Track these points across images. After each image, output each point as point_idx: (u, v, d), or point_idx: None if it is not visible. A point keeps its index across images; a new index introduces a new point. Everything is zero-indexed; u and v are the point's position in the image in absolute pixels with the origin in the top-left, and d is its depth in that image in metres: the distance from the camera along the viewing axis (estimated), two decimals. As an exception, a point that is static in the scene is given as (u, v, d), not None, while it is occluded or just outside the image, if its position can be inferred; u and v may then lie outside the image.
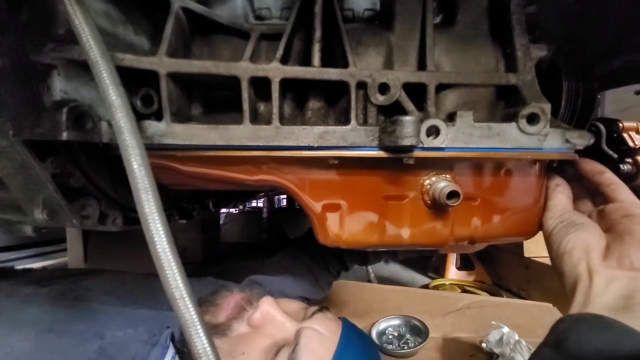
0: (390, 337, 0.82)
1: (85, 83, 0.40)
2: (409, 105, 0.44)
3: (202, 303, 0.56)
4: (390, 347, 0.77)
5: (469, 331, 0.83)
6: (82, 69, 0.39)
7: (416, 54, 0.48)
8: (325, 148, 0.43)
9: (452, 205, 0.44)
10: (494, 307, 0.98)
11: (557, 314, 0.93)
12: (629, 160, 0.64)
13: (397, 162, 0.44)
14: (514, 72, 0.46)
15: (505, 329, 0.74)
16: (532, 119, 0.43)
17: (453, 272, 1.48)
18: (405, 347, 0.78)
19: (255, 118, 0.46)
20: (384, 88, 0.44)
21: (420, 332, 0.82)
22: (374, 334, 0.81)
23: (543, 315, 0.92)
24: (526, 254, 1.31)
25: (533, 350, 0.66)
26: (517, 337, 0.71)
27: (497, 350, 0.70)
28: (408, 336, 0.82)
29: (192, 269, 1.58)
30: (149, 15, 0.47)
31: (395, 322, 0.86)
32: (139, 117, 0.42)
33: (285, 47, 0.44)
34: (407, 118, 0.40)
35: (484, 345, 0.73)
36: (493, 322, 0.76)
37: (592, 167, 0.49)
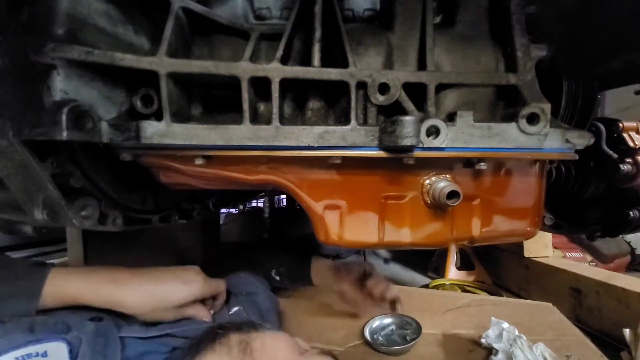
0: (383, 335, 0.84)
1: (85, 83, 0.40)
2: (409, 105, 0.44)
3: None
4: (383, 346, 0.78)
5: (468, 328, 0.83)
6: (82, 68, 0.39)
7: (416, 53, 0.48)
8: (325, 148, 0.43)
9: (452, 205, 0.44)
10: (493, 305, 0.98)
11: (557, 314, 0.93)
12: (629, 160, 0.64)
13: (397, 162, 0.44)
14: (514, 72, 0.46)
15: (505, 325, 0.73)
16: (532, 119, 0.43)
17: (453, 272, 1.48)
18: (397, 345, 0.79)
19: (255, 118, 0.46)
20: (384, 88, 0.44)
21: (413, 329, 0.83)
22: (367, 332, 0.81)
23: (543, 314, 0.92)
24: (526, 254, 1.31)
25: (534, 346, 0.67)
26: (517, 333, 0.71)
27: (496, 345, 0.70)
28: (401, 333, 0.84)
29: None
30: (149, 15, 0.47)
31: (388, 320, 0.87)
32: (139, 117, 0.42)
33: (285, 47, 0.44)
34: (407, 118, 0.40)
35: (483, 340, 0.73)
36: (493, 318, 0.76)
37: None
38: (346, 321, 0.89)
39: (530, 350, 0.67)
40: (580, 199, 0.75)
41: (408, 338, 0.81)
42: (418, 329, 0.82)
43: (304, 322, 0.91)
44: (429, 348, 0.79)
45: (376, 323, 0.86)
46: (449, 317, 0.92)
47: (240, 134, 0.42)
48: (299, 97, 0.49)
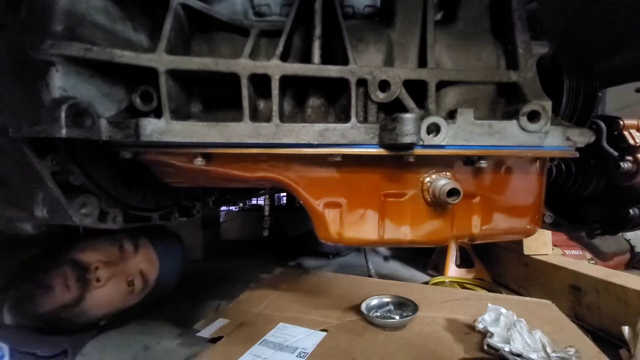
0: (380, 311, 0.86)
1: (84, 80, 0.40)
2: (409, 102, 0.44)
3: None
4: (379, 319, 0.79)
5: (466, 314, 0.84)
6: (81, 65, 0.39)
7: (417, 50, 0.47)
8: (325, 146, 0.43)
9: (452, 202, 0.44)
10: (492, 300, 0.98)
11: (556, 311, 0.93)
12: (629, 158, 0.64)
13: (398, 160, 0.44)
14: (515, 70, 0.46)
15: (503, 310, 0.73)
16: (533, 116, 0.43)
17: (453, 270, 1.48)
18: (394, 319, 0.81)
19: (255, 115, 0.46)
20: (384, 85, 0.43)
21: (410, 309, 0.86)
22: (363, 307, 0.84)
23: (542, 311, 0.92)
24: (525, 252, 1.31)
25: (534, 332, 0.67)
26: (516, 317, 0.71)
27: (492, 329, 0.70)
28: (397, 312, 0.86)
29: (193, 266, 1.58)
30: (148, 12, 0.47)
31: (386, 299, 0.90)
32: (138, 114, 0.42)
33: (285, 44, 0.44)
34: (408, 115, 0.40)
35: (479, 325, 0.73)
36: (489, 304, 0.76)
37: None
38: (345, 302, 0.92)
39: (529, 334, 0.66)
40: (580, 197, 0.75)
41: (404, 314, 0.83)
42: (415, 309, 0.84)
43: (304, 300, 0.93)
44: (426, 327, 0.80)
45: (374, 301, 0.88)
46: (446, 306, 0.93)
47: (240, 131, 0.42)
48: (299, 94, 0.49)
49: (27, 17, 0.36)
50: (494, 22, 0.50)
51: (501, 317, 0.72)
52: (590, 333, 0.85)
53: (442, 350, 0.70)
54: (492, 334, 0.69)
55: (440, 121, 0.41)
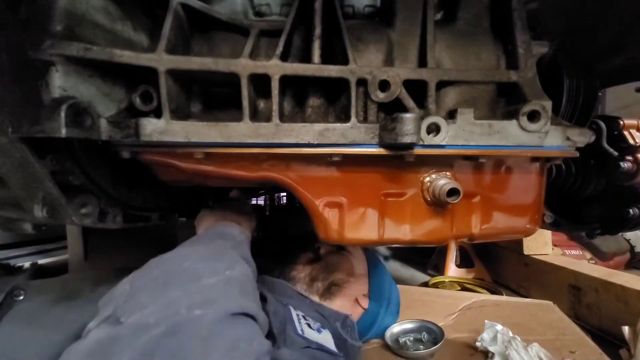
0: (405, 340, 0.83)
1: (84, 80, 0.40)
2: (409, 102, 0.44)
3: None
4: (406, 350, 0.78)
5: (470, 331, 0.84)
6: (81, 65, 0.39)
7: (417, 50, 0.47)
8: (325, 145, 0.43)
9: (452, 202, 0.44)
10: (494, 306, 0.98)
11: (557, 312, 0.93)
12: (629, 157, 0.64)
13: (398, 160, 0.44)
14: (515, 69, 0.46)
15: (499, 327, 0.74)
16: (533, 116, 0.43)
17: (453, 270, 1.48)
18: (420, 349, 0.79)
19: (255, 115, 0.46)
20: (384, 85, 0.43)
21: (435, 334, 0.83)
22: (387, 337, 0.81)
23: (544, 313, 0.92)
24: (525, 252, 1.31)
25: (529, 347, 0.67)
26: (511, 334, 0.72)
27: (491, 348, 0.70)
28: (423, 339, 0.83)
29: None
30: (147, 11, 0.47)
31: (409, 325, 0.87)
32: (138, 114, 0.42)
33: (285, 43, 0.44)
34: (408, 115, 0.40)
35: (478, 344, 0.73)
36: (486, 321, 0.77)
37: None
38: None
39: (525, 351, 0.67)
40: (580, 197, 0.75)
41: (429, 343, 0.81)
42: (440, 334, 0.81)
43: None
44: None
45: (397, 329, 0.85)
46: (449, 322, 0.92)
47: (240, 131, 0.42)
48: (299, 94, 0.49)
49: (27, 17, 0.36)
50: (494, 22, 0.50)
51: (498, 334, 0.73)
52: (590, 333, 0.85)
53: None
54: (492, 354, 0.70)
55: (440, 121, 0.42)
